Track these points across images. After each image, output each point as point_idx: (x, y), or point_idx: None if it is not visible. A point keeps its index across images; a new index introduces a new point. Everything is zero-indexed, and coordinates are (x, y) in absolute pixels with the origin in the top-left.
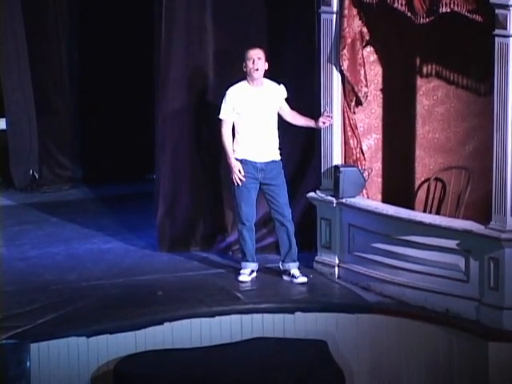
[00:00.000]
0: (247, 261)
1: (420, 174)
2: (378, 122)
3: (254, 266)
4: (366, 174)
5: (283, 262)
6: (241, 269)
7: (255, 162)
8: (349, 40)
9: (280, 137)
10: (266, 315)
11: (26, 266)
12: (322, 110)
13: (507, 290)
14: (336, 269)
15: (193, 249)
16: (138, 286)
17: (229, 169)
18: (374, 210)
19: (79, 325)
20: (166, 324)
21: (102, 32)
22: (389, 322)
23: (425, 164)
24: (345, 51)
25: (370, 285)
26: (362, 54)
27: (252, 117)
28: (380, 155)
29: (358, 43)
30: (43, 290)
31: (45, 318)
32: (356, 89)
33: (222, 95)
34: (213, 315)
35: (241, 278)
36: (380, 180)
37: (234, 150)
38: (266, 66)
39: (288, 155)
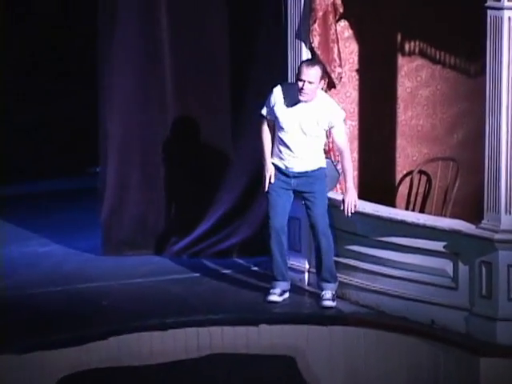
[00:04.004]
0: (275, 279)
1: (402, 167)
2: (353, 107)
3: (283, 286)
4: (340, 166)
5: (317, 279)
6: (270, 288)
7: (287, 170)
8: (320, 13)
9: (245, 122)
10: (226, 328)
11: None
12: None
13: (501, 299)
14: (306, 274)
15: (143, 252)
16: (80, 294)
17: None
18: None
19: (12, 340)
20: (112, 339)
21: (46, 29)
22: (366, 335)
23: (407, 155)
24: (315, 26)
25: (345, 293)
26: (335, 29)
27: (288, 126)
28: (356, 145)
29: (331, 17)
30: None
31: None
32: (328, 69)
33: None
34: (165, 328)
35: (270, 297)
36: (356, 173)
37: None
38: (320, 86)
39: (254, 145)
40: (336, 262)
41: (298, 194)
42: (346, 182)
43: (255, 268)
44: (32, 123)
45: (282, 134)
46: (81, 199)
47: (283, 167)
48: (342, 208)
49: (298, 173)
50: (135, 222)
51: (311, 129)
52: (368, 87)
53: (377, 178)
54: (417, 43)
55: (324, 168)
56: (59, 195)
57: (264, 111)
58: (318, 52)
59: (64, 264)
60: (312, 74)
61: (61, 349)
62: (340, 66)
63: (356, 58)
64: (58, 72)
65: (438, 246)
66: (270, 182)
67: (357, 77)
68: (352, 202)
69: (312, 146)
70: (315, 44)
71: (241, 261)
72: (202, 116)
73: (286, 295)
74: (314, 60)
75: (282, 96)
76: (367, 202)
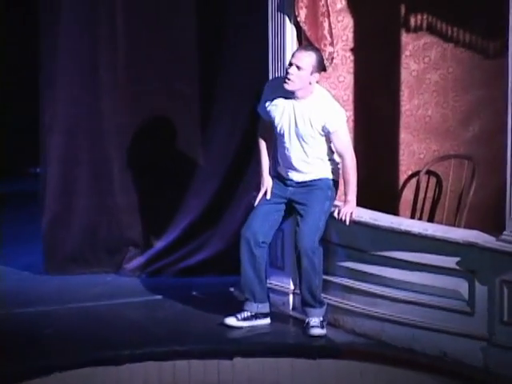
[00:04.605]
0: (246, 299)
1: (406, 166)
2: (348, 94)
3: (253, 307)
4: None
5: (300, 304)
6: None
7: (286, 178)
8: None
9: (215, 117)
10: (193, 361)
11: None
12: (269, 77)
13: None
14: (290, 297)
15: (94, 269)
16: (18, 321)
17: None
18: None
19: None
20: (56, 374)
21: None
22: (364, 370)
23: (413, 152)
24: None
25: (338, 319)
26: (326, 0)
27: (280, 127)
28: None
29: None
30: None
31: None
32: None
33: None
34: (121, 362)
35: (226, 320)
36: None
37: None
38: (313, 78)
39: (225, 142)
40: (327, 282)
41: (291, 204)
42: (346, 195)
43: (231, 289)
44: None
45: (278, 140)
46: (18, 205)
47: (281, 176)
48: (336, 217)
49: (297, 182)
50: (84, 233)
51: (305, 131)
52: (365, 70)
53: (376, 180)
54: (424, 17)
55: (329, 179)
56: None
57: (259, 108)
58: (305, 27)
59: None
60: (303, 58)
61: None
62: (331, 44)
63: (351, 35)
64: None
65: (450, 262)
66: (264, 197)
67: (352, 57)
68: (349, 212)
69: (313, 155)
70: (301, 18)
71: (212, 280)
72: (164, 107)
73: (256, 323)
74: (312, 46)
75: (274, 90)
76: (365, 209)
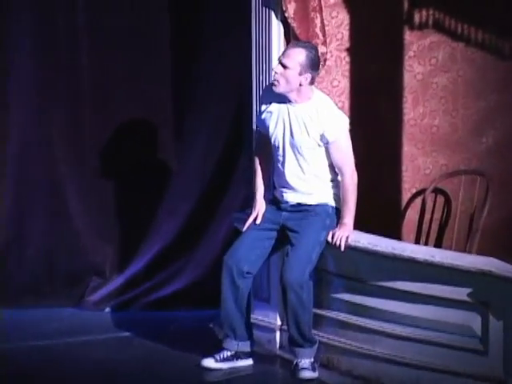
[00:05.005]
0: (226, 336)
1: (410, 183)
2: (342, 101)
3: (233, 345)
4: None
5: (288, 343)
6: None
7: (280, 201)
8: None
9: (192, 129)
10: None
11: None
12: (253, 82)
13: None
14: (277, 334)
15: (51, 302)
16: None
17: None
18: None
19: None
20: None
21: None
22: None
23: (417, 166)
24: None
25: (332, 359)
26: None
27: (275, 137)
28: None
29: None
30: None
31: None
32: None
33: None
34: None
35: (203, 361)
36: None
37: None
38: (304, 78)
39: (203, 157)
40: (320, 317)
41: (284, 231)
42: (342, 217)
43: (210, 325)
44: None
45: (274, 154)
46: None
47: (277, 199)
48: (330, 241)
49: (292, 205)
50: (40, 260)
51: (301, 141)
52: (363, 73)
53: (376, 200)
54: (430, 13)
55: (328, 206)
56: None
57: (256, 119)
58: (294, 24)
59: None
60: (290, 55)
61: None
62: (324, 43)
63: (346, 33)
64: None
65: (460, 293)
66: (254, 222)
67: (347, 59)
68: (344, 236)
69: (309, 172)
70: (289, 13)
71: (187, 314)
72: (133, 118)
73: (240, 362)
74: (306, 42)
75: (269, 96)
76: (363, 232)
